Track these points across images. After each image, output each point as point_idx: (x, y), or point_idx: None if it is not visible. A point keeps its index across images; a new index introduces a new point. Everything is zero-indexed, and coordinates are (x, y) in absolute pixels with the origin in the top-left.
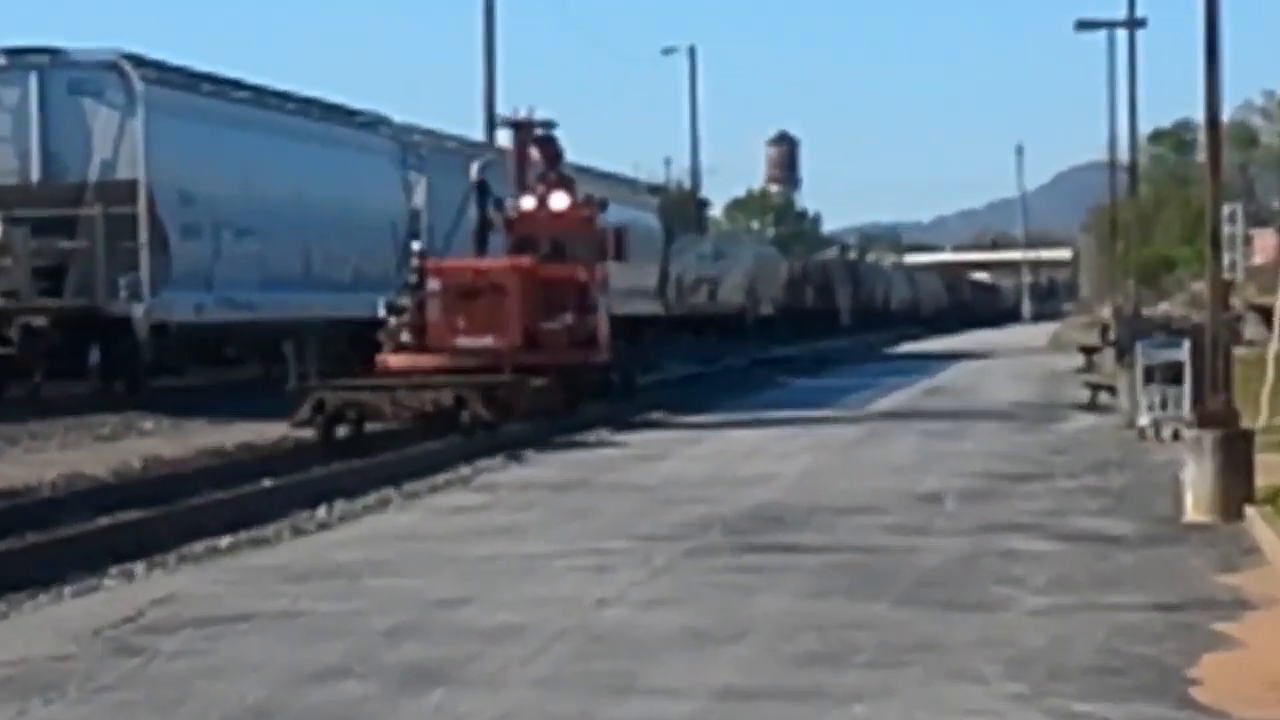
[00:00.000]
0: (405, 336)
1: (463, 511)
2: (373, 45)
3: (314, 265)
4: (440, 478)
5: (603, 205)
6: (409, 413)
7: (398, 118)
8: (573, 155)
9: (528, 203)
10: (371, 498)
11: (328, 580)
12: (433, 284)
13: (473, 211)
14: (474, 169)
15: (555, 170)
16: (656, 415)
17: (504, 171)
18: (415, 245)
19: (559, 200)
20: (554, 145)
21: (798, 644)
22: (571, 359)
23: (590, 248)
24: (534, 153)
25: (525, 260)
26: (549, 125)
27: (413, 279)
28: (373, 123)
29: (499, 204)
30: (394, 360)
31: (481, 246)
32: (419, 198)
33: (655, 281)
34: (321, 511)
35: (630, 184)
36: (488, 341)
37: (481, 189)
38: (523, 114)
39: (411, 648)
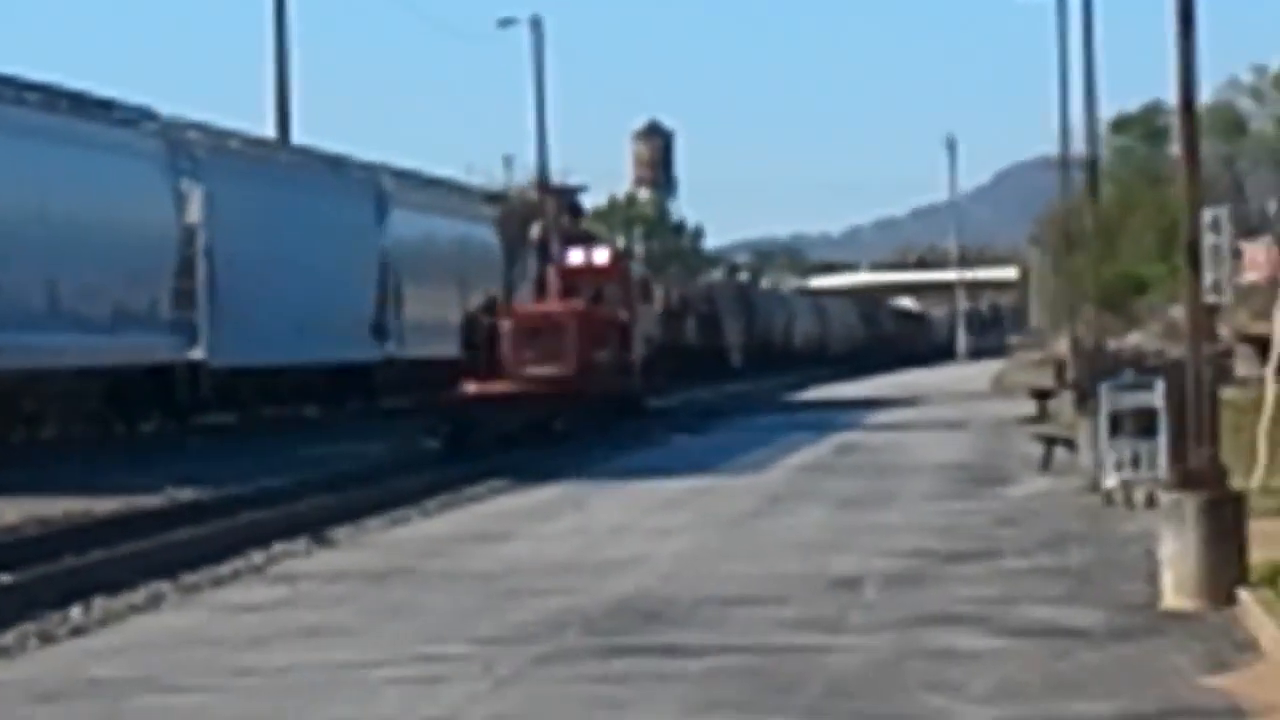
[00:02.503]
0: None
1: (255, 609)
2: (137, 25)
3: (62, 300)
4: (226, 567)
5: (630, 255)
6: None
7: (167, 110)
8: (385, 153)
9: (576, 256)
10: (140, 593)
11: (83, 700)
12: (505, 324)
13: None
14: (534, 230)
15: (578, 227)
16: (498, 483)
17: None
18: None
19: (601, 255)
20: (579, 208)
21: None
22: (616, 385)
23: (624, 293)
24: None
25: (580, 305)
26: (580, 190)
27: (485, 320)
28: (135, 118)
29: (551, 258)
30: (473, 387)
31: (541, 293)
32: (194, 212)
33: None
34: (76, 612)
35: (461, 191)
36: (552, 370)
37: (543, 247)
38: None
39: None
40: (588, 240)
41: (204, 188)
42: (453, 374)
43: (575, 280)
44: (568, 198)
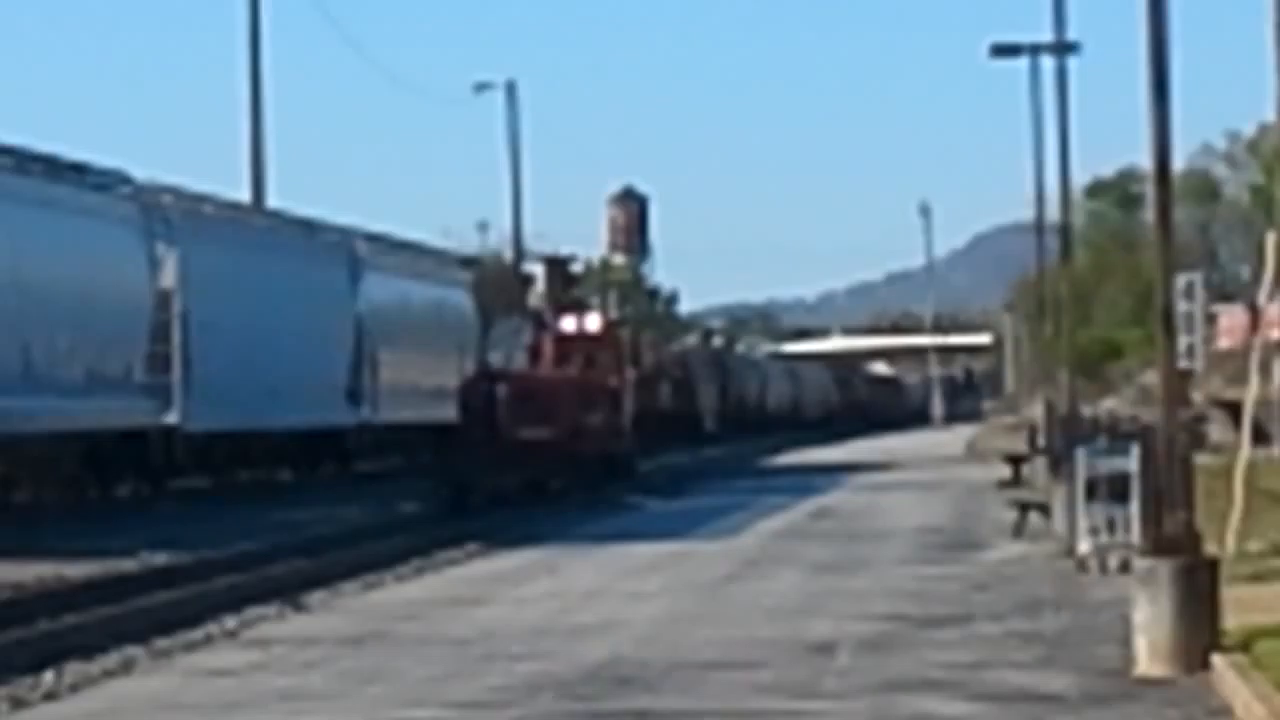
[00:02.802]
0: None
1: (228, 674)
2: (111, 87)
3: (36, 363)
4: (199, 631)
5: (621, 323)
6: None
7: (142, 174)
8: (359, 217)
9: (569, 324)
10: (112, 658)
11: None
12: (501, 389)
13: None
14: (532, 297)
15: (570, 295)
16: (472, 547)
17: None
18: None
19: (593, 322)
20: (572, 277)
21: None
22: (607, 447)
23: (615, 359)
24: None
25: (573, 371)
26: (571, 260)
27: (482, 385)
28: (110, 182)
29: (544, 326)
30: (470, 451)
31: (536, 359)
32: (169, 275)
33: None
34: (48, 676)
35: (436, 255)
36: (546, 433)
37: (538, 318)
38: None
39: None
40: (580, 308)
41: (179, 252)
42: (450, 438)
43: (568, 347)
44: (561, 268)
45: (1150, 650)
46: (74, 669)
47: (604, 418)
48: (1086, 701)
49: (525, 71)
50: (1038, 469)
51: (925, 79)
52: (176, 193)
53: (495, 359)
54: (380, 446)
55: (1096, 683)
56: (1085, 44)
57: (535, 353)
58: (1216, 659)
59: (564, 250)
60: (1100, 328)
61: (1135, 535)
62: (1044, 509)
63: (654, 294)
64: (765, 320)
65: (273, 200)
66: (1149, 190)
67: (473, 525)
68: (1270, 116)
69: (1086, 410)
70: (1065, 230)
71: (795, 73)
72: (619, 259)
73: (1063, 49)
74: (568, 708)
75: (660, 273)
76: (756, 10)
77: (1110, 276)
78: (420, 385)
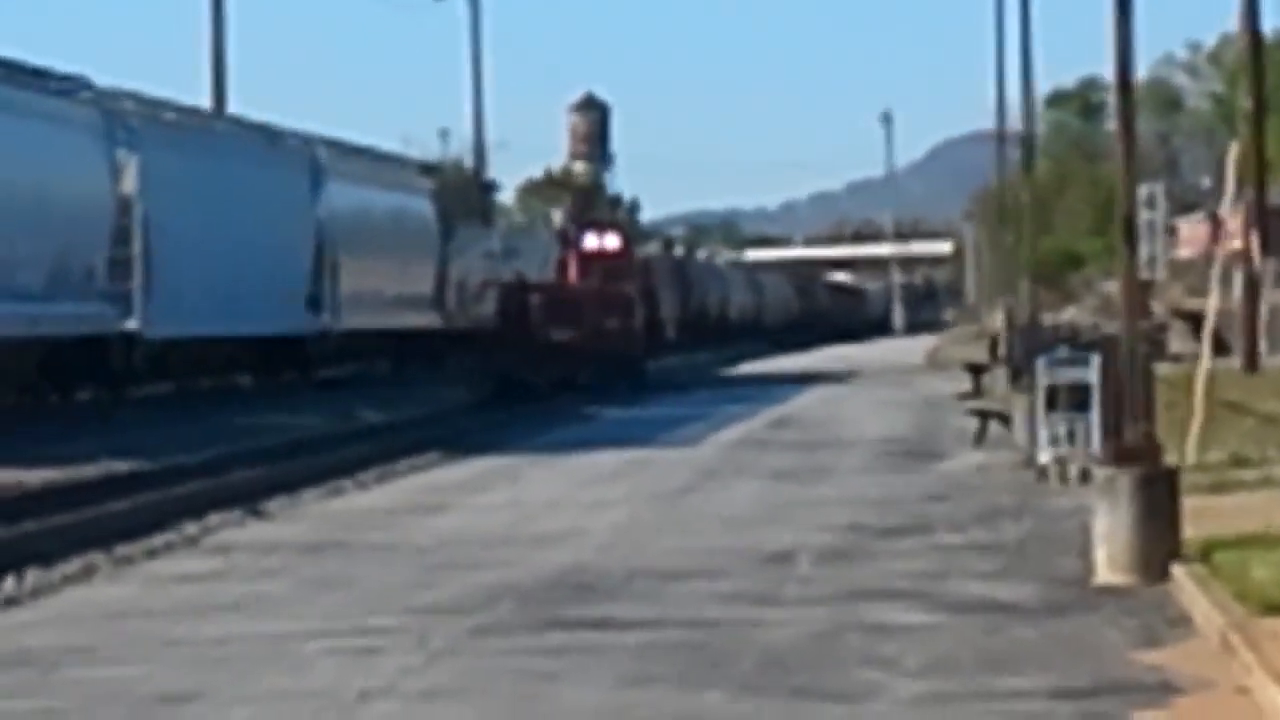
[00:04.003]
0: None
1: (189, 581)
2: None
3: None
4: (160, 538)
5: (633, 237)
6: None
7: (102, 80)
8: (321, 125)
9: (590, 242)
10: (73, 564)
11: (15, 670)
12: (534, 297)
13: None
14: (557, 217)
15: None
16: (432, 455)
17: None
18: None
19: (612, 240)
20: (593, 201)
21: None
22: (622, 348)
23: (629, 271)
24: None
25: (595, 283)
26: (599, 189)
27: (517, 294)
28: (71, 88)
29: (570, 242)
30: (508, 350)
31: (562, 272)
32: (130, 181)
33: (430, 287)
34: (8, 583)
35: (397, 163)
36: (570, 335)
37: (564, 236)
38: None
39: None
40: (600, 228)
41: (140, 157)
42: (490, 339)
43: (590, 262)
44: (585, 196)
45: (1110, 560)
46: (34, 575)
47: (620, 323)
48: (1046, 611)
49: None
50: (998, 379)
51: None
52: (137, 98)
53: (456, 268)
54: (341, 354)
55: (1056, 592)
56: None
57: (562, 267)
58: (1176, 569)
59: (522, 158)
60: (1061, 237)
61: (1095, 445)
62: (1004, 418)
63: (616, 202)
64: (726, 229)
65: (234, 107)
66: (1111, 100)
67: (435, 431)
68: (1232, 27)
69: (1047, 319)
70: (1027, 140)
71: None
72: (580, 167)
73: None
74: (528, 616)
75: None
76: None
77: (1071, 186)
78: (382, 292)
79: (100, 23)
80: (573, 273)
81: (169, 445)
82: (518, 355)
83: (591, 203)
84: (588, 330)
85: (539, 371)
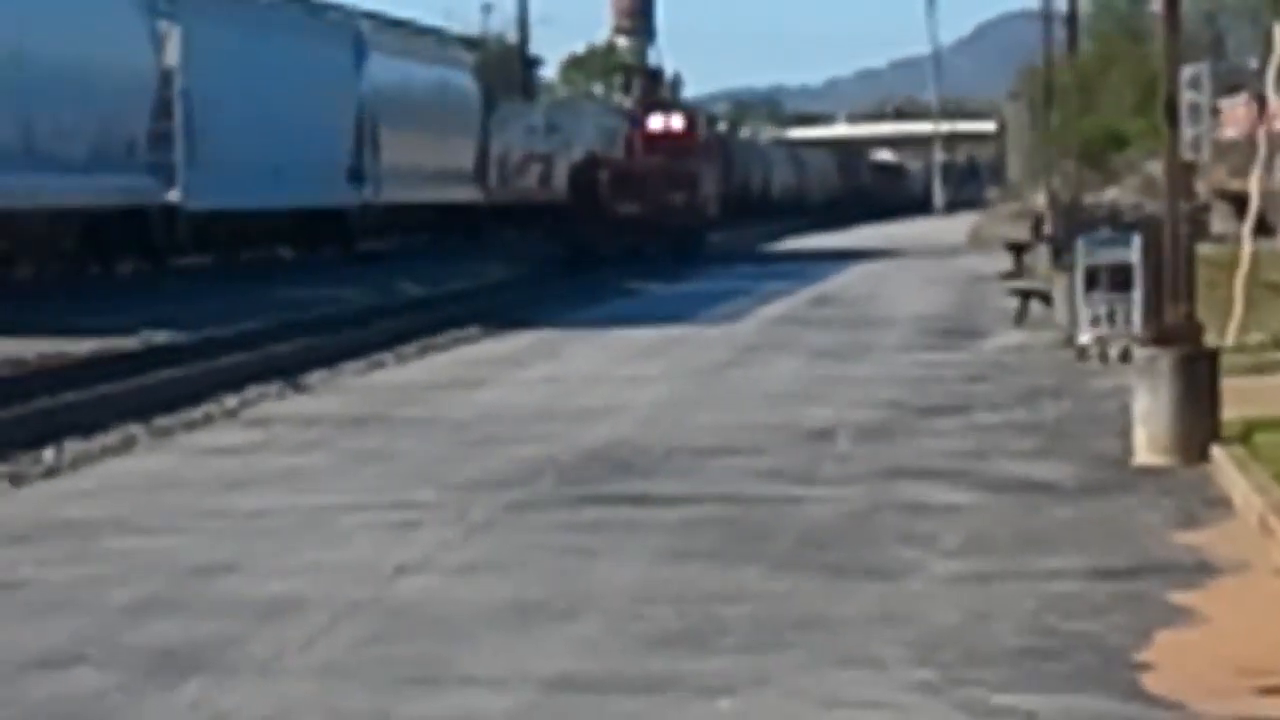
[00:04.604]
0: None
1: (228, 453)
2: None
3: (38, 140)
4: (199, 410)
5: (698, 118)
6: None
7: None
8: None
9: (656, 123)
10: (113, 436)
11: (56, 541)
12: (603, 174)
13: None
14: (627, 103)
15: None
16: (472, 330)
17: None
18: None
19: (677, 121)
20: (660, 82)
21: (650, 621)
22: (686, 222)
23: (694, 150)
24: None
25: (659, 159)
26: (659, 71)
27: (588, 171)
28: None
29: (638, 124)
30: (582, 222)
31: (630, 150)
32: (172, 53)
33: (471, 161)
34: (48, 453)
35: (438, 37)
36: (637, 209)
37: (632, 117)
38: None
39: (161, 627)
40: (666, 109)
41: (182, 29)
42: (564, 211)
43: (656, 141)
44: (651, 76)
45: (1149, 440)
46: (74, 446)
47: (684, 198)
48: (1084, 491)
49: None
50: (1040, 258)
51: None
52: None
53: (498, 142)
54: (382, 227)
55: (1095, 472)
56: None
57: (629, 145)
58: (1215, 450)
59: (565, 32)
60: (1105, 117)
61: (1136, 325)
62: (1046, 298)
63: (659, 78)
64: (770, 106)
65: None
66: None
67: (476, 305)
68: None
69: (1089, 199)
70: (1072, 19)
71: None
72: (623, 42)
73: None
74: (566, 491)
75: (665, 57)
76: None
77: (1116, 66)
78: (423, 166)
79: None
80: (639, 151)
81: (209, 317)
82: (588, 227)
83: (658, 85)
84: (653, 205)
85: (608, 242)
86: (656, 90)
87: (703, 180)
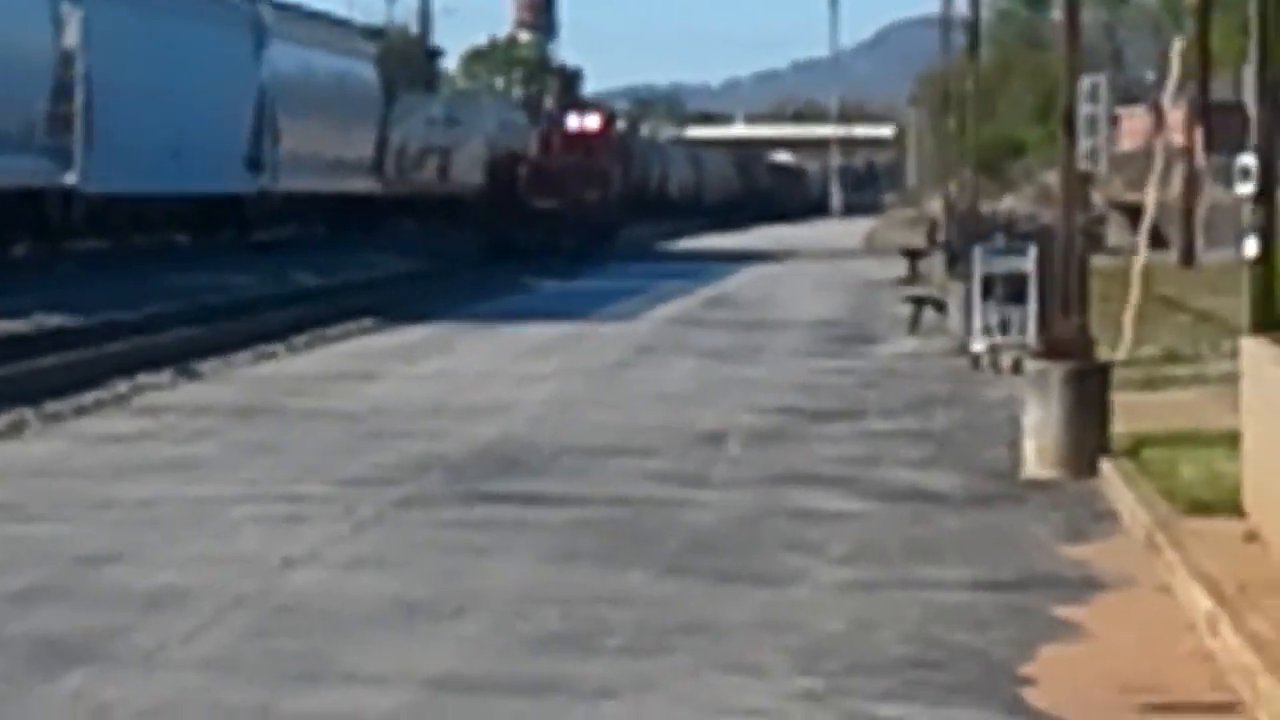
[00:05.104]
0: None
1: (118, 440)
2: None
3: None
4: (90, 396)
5: (614, 118)
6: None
7: None
8: None
9: (573, 122)
10: (1, 420)
11: None
12: (522, 169)
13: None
14: (548, 103)
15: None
16: (366, 322)
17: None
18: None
19: (592, 120)
20: (575, 83)
21: (535, 622)
22: (599, 216)
23: (607, 148)
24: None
25: (576, 156)
26: (577, 72)
27: (508, 165)
28: None
29: (555, 122)
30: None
31: (546, 147)
32: (72, 35)
33: (370, 152)
34: None
35: (341, 26)
36: (553, 204)
37: (550, 116)
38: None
39: (45, 616)
40: (583, 109)
41: (83, 11)
42: (483, 203)
43: (572, 139)
44: (568, 77)
45: (1039, 453)
46: None
47: (598, 195)
48: (973, 502)
49: None
50: (935, 265)
51: None
52: None
53: (397, 134)
54: (279, 216)
55: (984, 483)
56: None
57: (547, 142)
58: (1104, 464)
59: (467, 25)
60: (1003, 125)
61: (1030, 336)
62: (940, 305)
63: (575, 78)
64: (670, 104)
65: None
66: None
67: (369, 298)
68: None
69: (986, 207)
70: (973, 25)
71: None
72: (525, 36)
73: None
74: (455, 488)
75: (566, 52)
76: None
77: (1015, 74)
78: (322, 155)
79: None
80: (556, 149)
81: (103, 302)
82: (506, 220)
83: (574, 85)
84: (569, 200)
85: (525, 235)
86: (574, 90)
87: (615, 178)
